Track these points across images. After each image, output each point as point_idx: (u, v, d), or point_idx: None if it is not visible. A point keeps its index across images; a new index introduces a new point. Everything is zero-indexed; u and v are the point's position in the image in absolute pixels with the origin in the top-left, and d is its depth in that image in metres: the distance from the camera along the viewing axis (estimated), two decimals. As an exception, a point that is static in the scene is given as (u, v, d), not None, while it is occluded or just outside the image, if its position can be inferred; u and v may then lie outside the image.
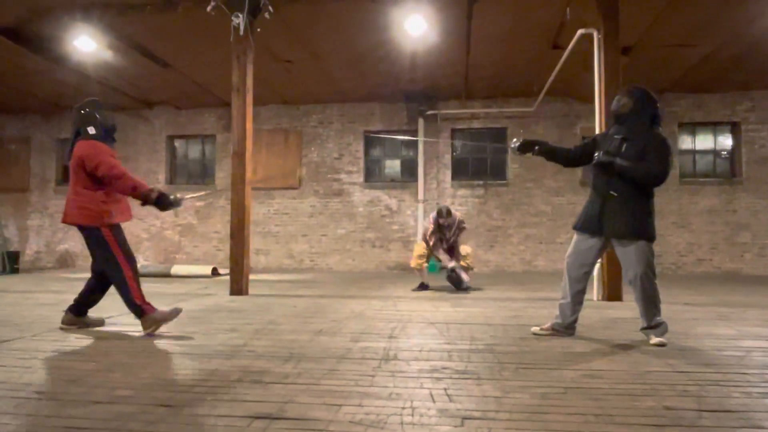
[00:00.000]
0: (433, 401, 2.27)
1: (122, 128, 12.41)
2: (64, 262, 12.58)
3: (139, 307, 3.81)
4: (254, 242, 11.04)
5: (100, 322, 4.13)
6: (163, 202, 3.87)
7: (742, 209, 10.84)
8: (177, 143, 12.80)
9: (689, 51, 8.73)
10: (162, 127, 12.52)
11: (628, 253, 3.54)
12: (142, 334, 3.82)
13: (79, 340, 3.60)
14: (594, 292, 6.13)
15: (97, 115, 3.92)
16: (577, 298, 3.78)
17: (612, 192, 3.55)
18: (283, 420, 2.03)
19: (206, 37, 7.90)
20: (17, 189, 12.77)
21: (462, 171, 11.83)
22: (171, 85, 10.60)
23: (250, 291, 6.70)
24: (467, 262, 7.08)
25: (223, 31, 6.72)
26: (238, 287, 6.50)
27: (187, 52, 8.82)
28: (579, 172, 11.18)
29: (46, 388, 2.46)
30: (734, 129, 11.16)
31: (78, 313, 4.02)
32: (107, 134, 3.95)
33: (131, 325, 4.17)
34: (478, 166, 11.85)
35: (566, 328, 3.80)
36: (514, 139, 3.99)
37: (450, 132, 11.70)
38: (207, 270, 9.72)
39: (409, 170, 11.78)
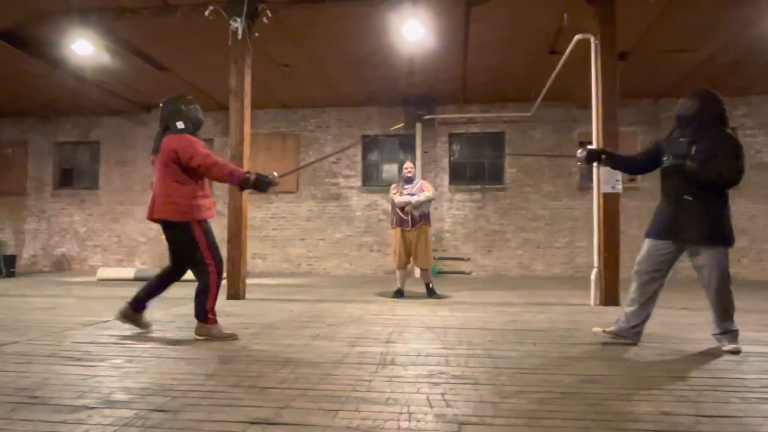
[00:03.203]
0: (431, 406, 2.26)
1: (120, 132, 12.54)
2: (61, 265, 12.54)
3: (205, 314, 3.80)
4: (252, 246, 11.01)
5: (148, 326, 4.07)
6: (261, 183, 3.86)
7: (740, 214, 10.85)
8: (175, 147, 12.77)
9: (686, 56, 8.77)
10: (160, 130, 12.49)
11: (704, 259, 3.44)
12: (195, 337, 3.83)
13: (75, 345, 3.59)
14: (591, 296, 6.14)
15: (185, 110, 3.92)
16: (647, 306, 3.63)
17: (686, 197, 3.45)
18: (279, 425, 2.02)
19: (204, 41, 7.91)
20: (14, 192, 12.73)
21: (460, 175, 11.84)
22: (169, 89, 10.48)
23: (247, 295, 6.68)
24: (428, 263, 6.76)
25: (222, 35, 6.73)
26: (235, 291, 6.49)
27: (185, 55, 8.82)
28: (577, 177, 11.20)
29: (42, 392, 2.44)
30: (731, 134, 11.19)
31: (137, 309, 3.98)
32: (195, 128, 3.97)
33: (128, 330, 4.17)
34: (475, 170, 11.85)
35: (631, 335, 3.66)
36: (580, 150, 3.94)
37: (447, 136, 11.72)
38: (204, 274, 9.68)
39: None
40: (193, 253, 3.81)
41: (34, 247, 12.71)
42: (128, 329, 4.14)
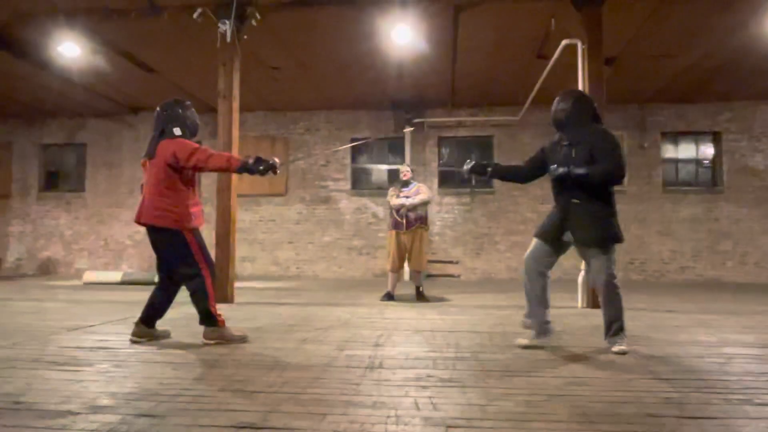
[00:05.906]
0: (418, 409, 2.27)
1: (106, 134, 12.44)
2: (46, 269, 12.39)
3: (213, 317, 3.75)
4: (240, 249, 10.93)
5: (167, 335, 3.98)
6: (263, 166, 3.71)
7: (724, 217, 11.00)
8: (162, 149, 12.69)
9: (671, 62, 8.88)
10: (147, 133, 12.39)
11: (592, 261, 3.57)
12: (202, 341, 3.74)
13: (60, 349, 3.55)
14: (578, 299, 6.18)
15: (182, 115, 3.88)
16: (543, 296, 3.71)
17: (574, 200, 3.56)
18: (266, 429, 2.02)
19: (192, 43, 7.87)
20: (-2, 195, 12.58)
21: (449, 179, 11.88)
22: (156, 91, 10.49)
23: (236, 299, 6.65)
24: (421, 266, 6.81)
25: (210, 37, 6.71)
26: (224, 295, 6.44)
27: (173, 57, 8.78)
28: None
29: (25, 398, 2.41)
30: (716, 139, 11.35)
31: (149, 325, 3.88)
32: (192, 135, 3.94)
33: (114, 334, 4.13)
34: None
35: (543, 328, 3.71)
36: (467, 161, 4.03)
37: (437, 140, 11.76)
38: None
39: (396, 178, 11.79)
40: (185, 260, 3.74)
41: (19, 250, 12.55)
42: (114, 333, 4.10)
